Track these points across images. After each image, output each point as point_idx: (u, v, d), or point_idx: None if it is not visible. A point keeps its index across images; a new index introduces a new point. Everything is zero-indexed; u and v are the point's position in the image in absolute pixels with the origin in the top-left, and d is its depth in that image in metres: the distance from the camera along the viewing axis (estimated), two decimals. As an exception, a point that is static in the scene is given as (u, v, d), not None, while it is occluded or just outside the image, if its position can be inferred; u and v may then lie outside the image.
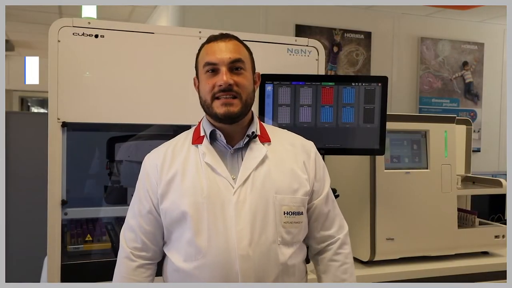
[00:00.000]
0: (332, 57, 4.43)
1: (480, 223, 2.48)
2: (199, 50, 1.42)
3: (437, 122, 2.32)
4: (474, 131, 4.23)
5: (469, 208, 2.66)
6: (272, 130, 1.48)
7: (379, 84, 1.93)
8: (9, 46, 7.11)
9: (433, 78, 4.85)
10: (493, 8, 4.49)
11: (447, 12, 4.66)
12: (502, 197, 2.72)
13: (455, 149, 2.34)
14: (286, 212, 1.34)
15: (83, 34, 1.72)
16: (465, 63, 4.96)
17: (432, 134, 2.29)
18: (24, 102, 10.26)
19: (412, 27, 4.77)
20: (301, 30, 4.29)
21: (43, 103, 10.85)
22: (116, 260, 1.42)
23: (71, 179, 1.77)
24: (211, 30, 1.84)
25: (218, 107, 1.33)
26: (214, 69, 1.34)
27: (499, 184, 2.49)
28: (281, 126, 1.88)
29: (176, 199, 1.34)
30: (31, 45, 7.34)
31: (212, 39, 1.39)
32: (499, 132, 5.12)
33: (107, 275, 1.70)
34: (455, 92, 4.95)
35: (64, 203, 1.69)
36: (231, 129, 1.38)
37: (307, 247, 1.49)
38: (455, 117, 2.37)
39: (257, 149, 1.38)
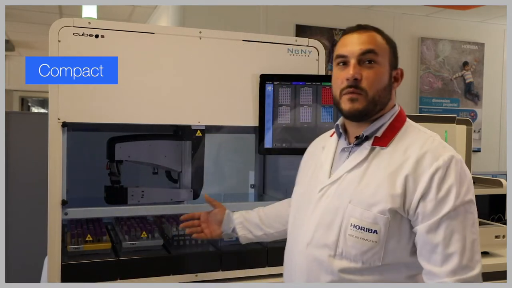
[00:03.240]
0: (332, 57, 4.43)
1: (480, 223, 2.48)
2: (337, 42, 1.36)
3: (437, 122, 2.31)
4: (474, 131, 4.23)
5: (469, 208, 2.65)
6: (404, 133, 1.30)
7: (379, 84, 1.92)
8: (9, 46, 7.11)
9: (433, 78, 4.86)
10: (493, 8, 4.49)
11: (447, 12, 4.67)
12: (502, 197, 2.71)
13: (455, 149, 2.33)
14: (353, 224, 1.21)
15: (83, 34, 1.71)
16: (465, 63, 4.97)
17: (432, 134, 2.28)
18: (24, 102, 10.27)
19: (412, 27, 4.77)
20: (301, 30, 4.29)
21: (43, 103, 10.86)
22: (116, 260, 1.41)
23: (71, 179, 1.76)
24: (211, 30, 1.84)
25: (345, 103, 1.27)
26: (344, 62, 1.29)
27: (499, 184, 2.49)
28: (281, 126, 1.88)
29: (295, 186, 1.48)
30: (31, 45, 7.34)
31: (348, 31, 1.33)
32: (499, 132, 5.13)
33: (107, 275, 1.70)
34: (456, 92, 4.95)
35: (64, 203, 1.69)
36: (357, 126, 1.31)
37: None
38: (456, 117, 2.37)
39: (360, 153, 1.28)
